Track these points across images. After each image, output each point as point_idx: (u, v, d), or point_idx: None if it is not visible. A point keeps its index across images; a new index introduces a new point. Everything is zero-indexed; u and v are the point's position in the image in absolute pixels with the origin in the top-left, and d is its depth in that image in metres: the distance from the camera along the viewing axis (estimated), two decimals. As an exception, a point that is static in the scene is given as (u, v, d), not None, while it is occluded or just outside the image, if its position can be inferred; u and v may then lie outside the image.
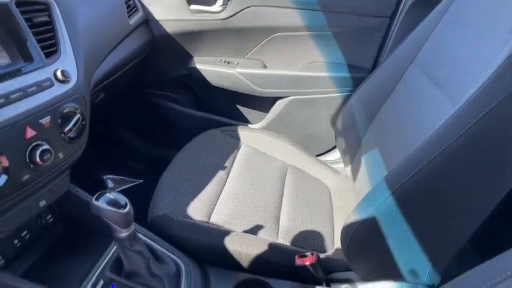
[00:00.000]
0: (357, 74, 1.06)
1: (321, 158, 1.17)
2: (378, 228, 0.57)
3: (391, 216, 0.56)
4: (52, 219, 0.67)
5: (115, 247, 0.63)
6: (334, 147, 1.18)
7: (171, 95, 1.22)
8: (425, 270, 0.61)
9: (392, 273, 0.62)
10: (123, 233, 0.56)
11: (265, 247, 0.69)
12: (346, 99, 1.06)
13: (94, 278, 0.58)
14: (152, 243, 0.67)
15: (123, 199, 0.56)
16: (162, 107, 1.21)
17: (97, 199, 0.54)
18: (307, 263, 0.65)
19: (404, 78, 0.88)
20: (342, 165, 1.09)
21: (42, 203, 0.58)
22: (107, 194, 0.55)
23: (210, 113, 1.20)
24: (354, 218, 0.60)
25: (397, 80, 0.90)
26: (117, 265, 0.61)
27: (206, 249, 0.71)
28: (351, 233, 0.60)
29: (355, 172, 0.93)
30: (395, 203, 0.55)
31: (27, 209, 0.55)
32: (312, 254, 0.66)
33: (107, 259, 0.62)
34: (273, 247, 0.70)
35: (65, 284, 0.56)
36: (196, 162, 0.88)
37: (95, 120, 0.79)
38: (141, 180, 1.04)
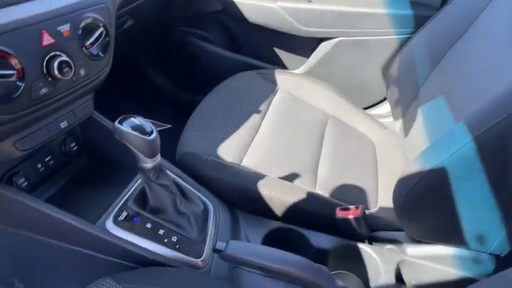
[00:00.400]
0: (421, 12, 0.90)
1: (368, 111, 1.05)
2: (446, 181, 0.47)
3: (466, 168, 0.46)
4: (76, 147, 0.63)
5: (140, 180, 0.59)
6: (384, 99, 1.04)
7: (204, 34, 1.12)
8: (497, 237, 0.51)
9: (454, 238, 0.53)
10: (148, 163, 0.51)
11: (303, 195, 0.62)
12: (404, 42, 0.91)
13: (117, 208, 0.54)
14: (180, 180, 0.61)
15: (149, 126, 0.50)
16: (194, 47, 1.12)
17: (120, 122, 0.48)
18: (351, 217, 0.57)
19: (486, 13, 0.72)
20: (390, 119, 0.97)
21: (64, 124, 0.53)
22: (132, 119, 0.50)
23: (245, 55, 1.10)
24: (415, 168, 0.50)
25: (474, 18, 0.74)
26: (141, 198, 0.57)
27: (237, 191, 0.65)
28: (409, 186, 0.51)
29: (408, 126, 0.81)
30: (476, 152, 0.44)
31: (47, 128, 0.51)
32: (357, 207, 0.58)
33: (131, 191, 0.58)
34: (312, 196, 0.63)
35: (88, 213, 0.53)
36: (229, 103, 0.81)
37: (123, 56, 0.72)
38: (170, 125, 0.99)
